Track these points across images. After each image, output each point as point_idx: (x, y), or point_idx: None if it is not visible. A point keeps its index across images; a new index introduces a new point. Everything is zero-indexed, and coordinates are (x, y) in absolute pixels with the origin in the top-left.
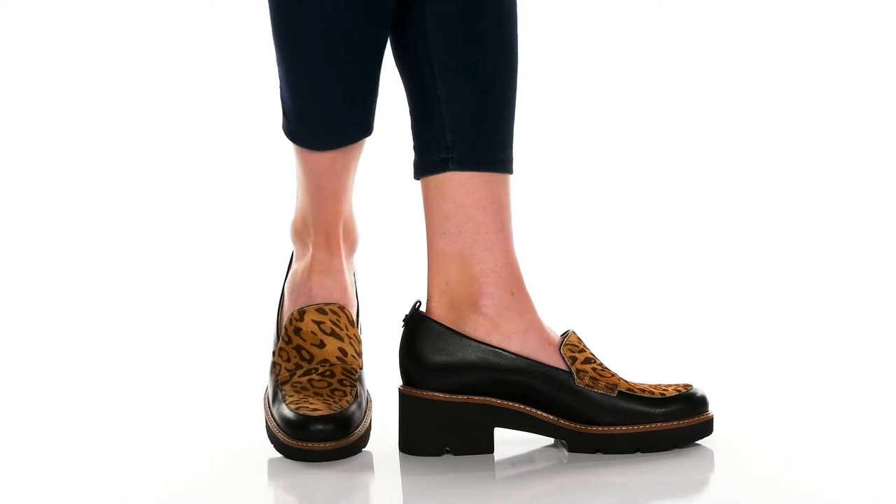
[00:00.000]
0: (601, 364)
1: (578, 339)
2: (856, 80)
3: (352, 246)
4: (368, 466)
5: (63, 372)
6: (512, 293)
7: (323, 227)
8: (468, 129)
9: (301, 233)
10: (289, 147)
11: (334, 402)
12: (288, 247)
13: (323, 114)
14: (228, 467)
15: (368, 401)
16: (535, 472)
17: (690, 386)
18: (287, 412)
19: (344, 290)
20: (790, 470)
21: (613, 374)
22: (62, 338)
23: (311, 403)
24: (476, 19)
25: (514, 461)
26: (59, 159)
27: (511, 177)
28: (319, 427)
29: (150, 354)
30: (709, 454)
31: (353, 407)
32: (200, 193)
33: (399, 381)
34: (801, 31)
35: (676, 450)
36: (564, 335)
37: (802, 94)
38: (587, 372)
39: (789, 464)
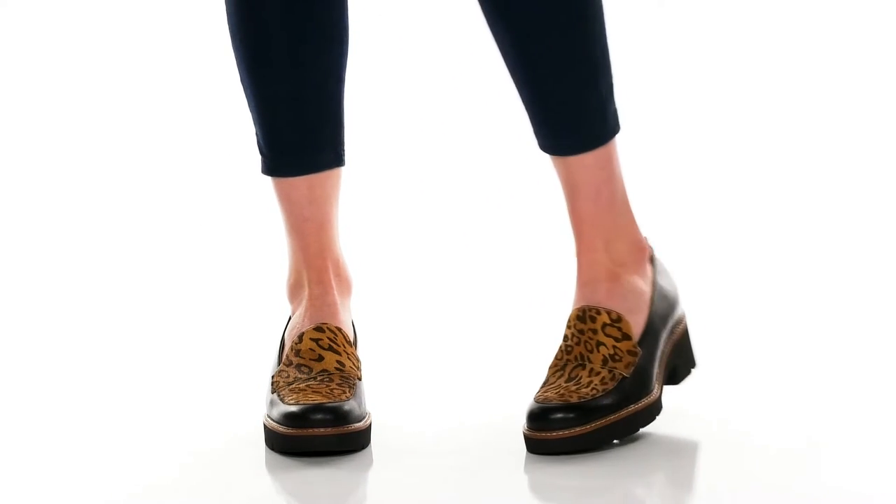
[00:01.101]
0: (568, 349)
1: (578, 317)
2: (856, 79)
3: (345, 287)
4: (368, 466)
5: (53, 374)
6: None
7: (314, 265)
8: (529, 116)
9: (296, 288)
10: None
11: (334, 396)
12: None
13: (293, 136)
14: (227, 468)
15: (368, 414)
16: (537, 473)
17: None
18: (287, 408)
19: (340, 319)
20: (784, 469)
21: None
22: (53, 339)
23: (311, 398)
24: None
25: (520, 460)
26: (60, 160)
27: (592, 152)
28: (319, 416)
29: (144, 354)
30: (697, 451)
31: (353, 401)
32: (197, 193)
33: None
34: (801, 30)
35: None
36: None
37: (802, 94)
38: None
39: (783, 462)
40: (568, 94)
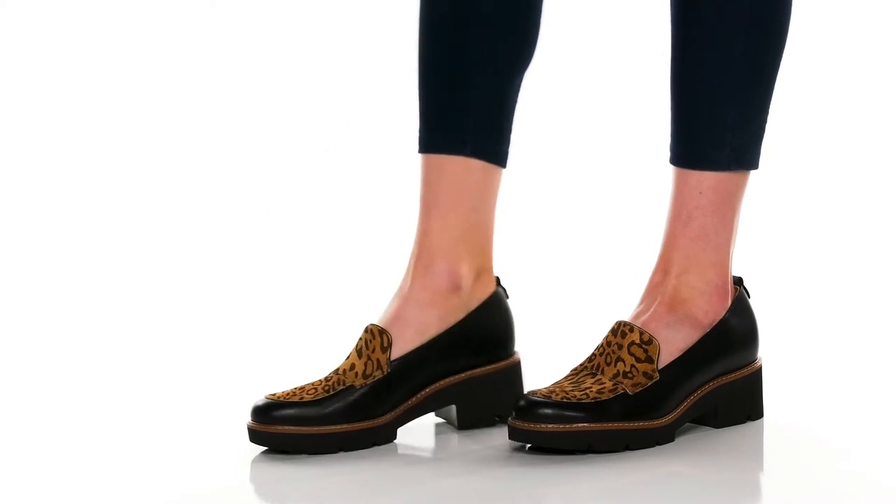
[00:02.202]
0: (591, 358)
1: (613, 330)
2: (856, 80)
3: (442, 288)
4: (368, 467)
5: (51, 375)
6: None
7: (418, 252)
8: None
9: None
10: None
11: (295, 395)
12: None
13: (427, 109)
14: (228, 469)
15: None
16: (537, 474)
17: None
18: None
19: (397, 316)
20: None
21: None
22: (52, 341)
23: (280, 395)
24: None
25: (520, 461)
26: (60, 160)
27: (696, 173)
28: (252, 410)
29: (147, 356)
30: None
31: (311, 406)
32: (199, 194)
33: None
34: (802, 30)
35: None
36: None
37: (802, 95)
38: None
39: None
40: (702, 108)
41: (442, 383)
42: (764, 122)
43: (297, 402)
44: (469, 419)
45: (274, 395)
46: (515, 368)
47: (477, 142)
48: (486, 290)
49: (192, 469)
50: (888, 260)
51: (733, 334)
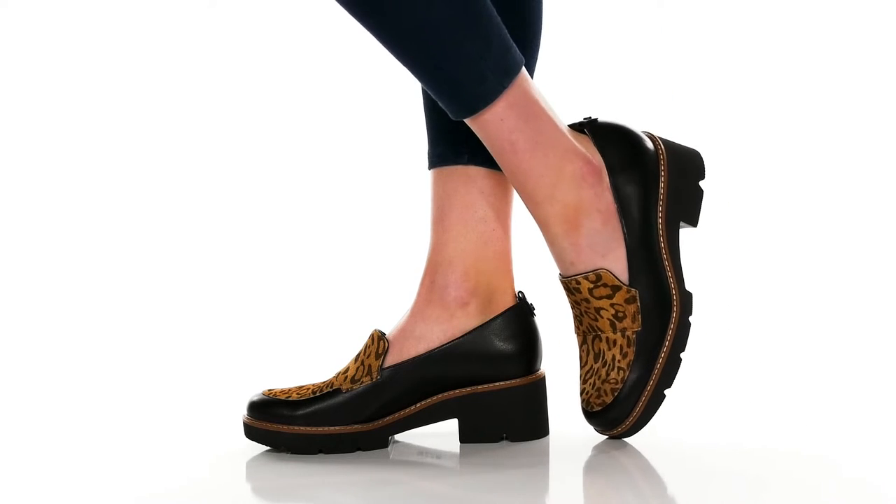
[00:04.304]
0: (579, 319)
1: (566, 288)
2: (856, 80)
3: (451, 300)
4: (368, 467)
5: (54, 375)
6: None
7: (426, 264)
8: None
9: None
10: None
11: (283, 393)
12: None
13: (428, 124)
14: (212, 468)
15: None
16: (531, 471)
17: None
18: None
19: (402, 328)
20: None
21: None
22: (46, 339)
23: (276, 393)
24: None
25: (515, 459)
26: (59, 160)
27: (487, 111)
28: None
29: (140, 357)
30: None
31: (286, 406)
32: (198, 194)
33: None
34: (800, 30)
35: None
36: None
37: (800, 94)
38: None
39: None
40: (438, 60)
41: (441, 396)
42: (485, 36)
43: (283, 401)
44: (471, 435)
45: (271, 391)
46: (531, 387)
47: (475, 149)
48: (499, 307)
49: (193, 466)
50: (886, 259)
51: (623, 155)
